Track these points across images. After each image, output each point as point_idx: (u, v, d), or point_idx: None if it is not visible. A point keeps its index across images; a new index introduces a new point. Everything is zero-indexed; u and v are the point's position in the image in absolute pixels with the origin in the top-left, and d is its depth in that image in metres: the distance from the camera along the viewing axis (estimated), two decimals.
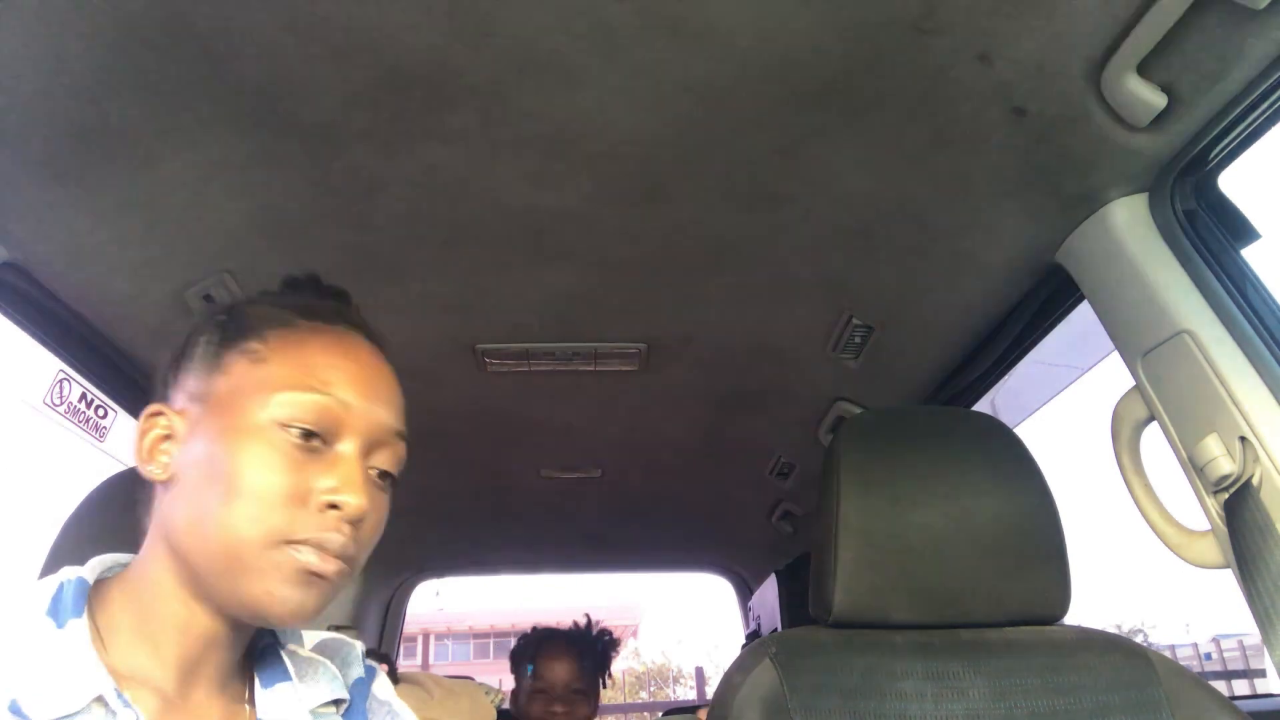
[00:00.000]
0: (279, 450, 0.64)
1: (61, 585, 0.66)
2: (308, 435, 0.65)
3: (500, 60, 1.02)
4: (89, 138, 1.11)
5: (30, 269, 1.33)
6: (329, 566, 0.64)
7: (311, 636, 0.82)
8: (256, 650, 0.75)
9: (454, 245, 1.43)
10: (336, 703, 0.76)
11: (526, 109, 1.11)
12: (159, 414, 0.70)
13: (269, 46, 0.99)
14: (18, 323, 1.37)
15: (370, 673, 0.83)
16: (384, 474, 0.71)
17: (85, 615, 0.64)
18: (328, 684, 0.76)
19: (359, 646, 0.84)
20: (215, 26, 0.96)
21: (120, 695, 0.61)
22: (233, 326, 0.72)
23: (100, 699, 0.60)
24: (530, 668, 2.13)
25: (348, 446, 0.67)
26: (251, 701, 0.72)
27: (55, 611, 0.64)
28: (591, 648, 2.21)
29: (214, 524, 0.63)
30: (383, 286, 1.53)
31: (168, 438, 0.69)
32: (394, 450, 0.73)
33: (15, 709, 0.58)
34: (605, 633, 2.29)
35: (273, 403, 0.66)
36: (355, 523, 0.65)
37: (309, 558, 0.63)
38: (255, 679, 0.73)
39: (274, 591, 0.63)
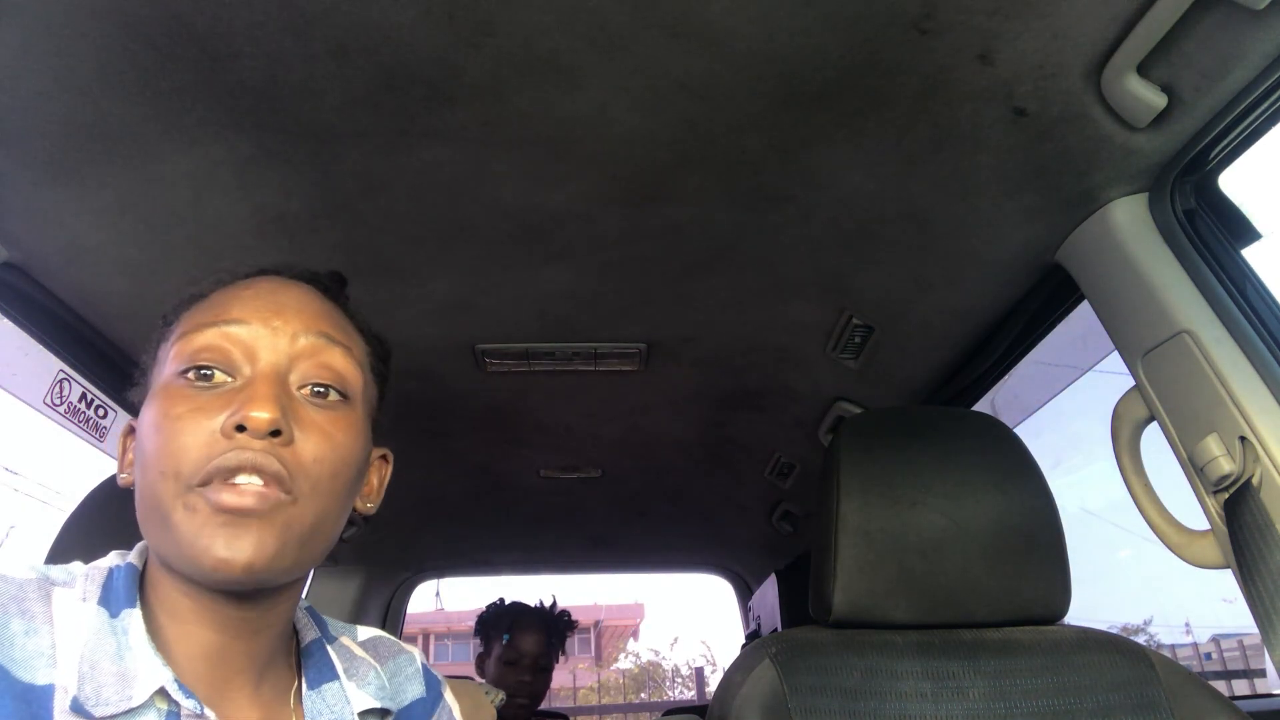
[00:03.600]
0: (180, 397, 0.61)
1: (111, 572, 0.63)
2: (204, 374, 0.61)
3: (500, 60, 1.02)
4: (89, 138, 1.11)
5: (30, 269, 1.33)
6: (246, 497, 0.58)
7: (365, 632, 0.79)
8: (302, 647, 0.72)
9: (454, 245, 1.43)
10: (381, 712, 0.72)
11: (526, 109, 1.11)
12: (133, 429, 0.69)
13: (269, 46, 0.99)
14: (18, 323, 1.37)
15: (434, 687, 0.78)
16: (321, 388, 0.64)
17: (138, 605, 0.61)
18: (375, 690, 0.72)
19: (418, 657, 0.80)
20: (215, 27, 0.96)
21: (181, 686, 0.59)
22: (165, 322, 0.70)
23: (161, 691, 0.58)
24: (506, 637, 2.34)
25: (255, 366, 0.62)
26: (298, 700, 0.68)
27: (108, 600, 0.61)
28: (557, 626, 2.45)
29: (142, 494, 0.61)
30: (383, 286, 1.53)
31: None
32: (324, 357, 0.65)
33: (77, 707, 0.55)
34: (565, 613, 2.53)
35: (172, 357, 0.63)
36: (274, 437, 0.59)
37: (220, 495, 0.57)
38: (302, 679, 0.70)
39: (196, 541, 0.57)
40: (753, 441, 2.30)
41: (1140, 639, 1.26)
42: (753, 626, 3.37)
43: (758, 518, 2.76)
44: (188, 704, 0.58)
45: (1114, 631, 1.14)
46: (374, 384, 0.73)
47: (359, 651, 0.75)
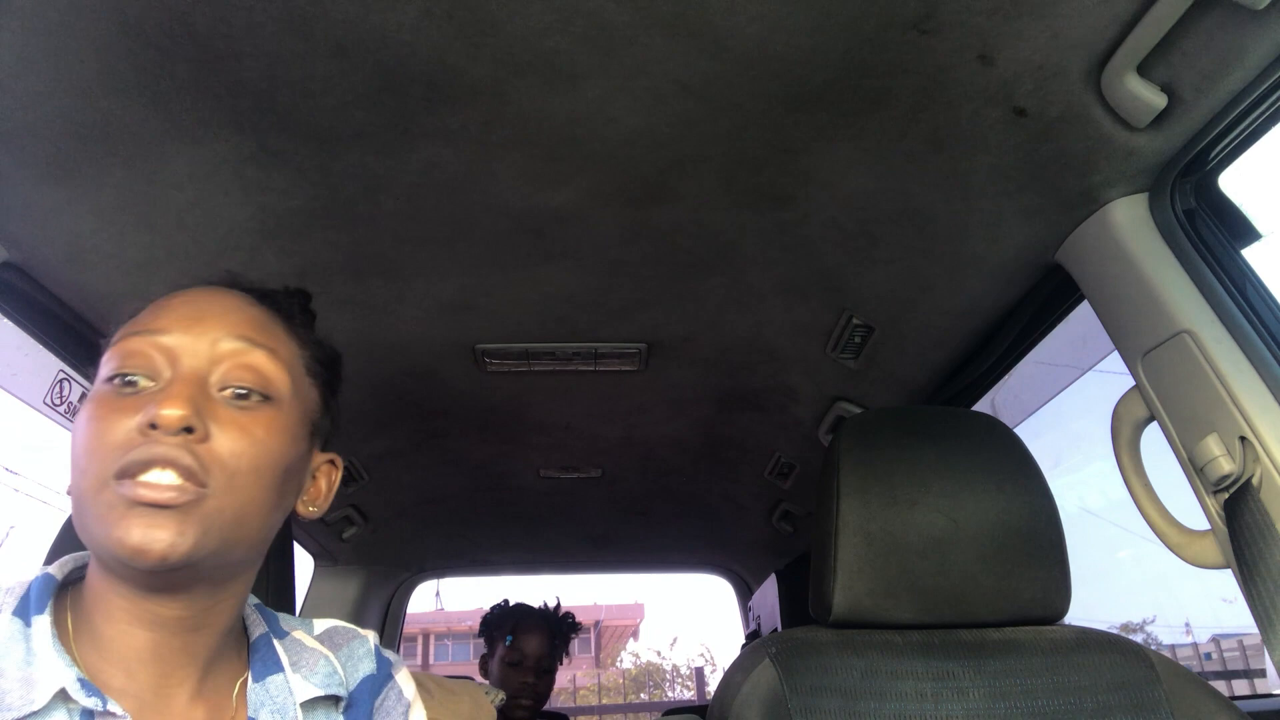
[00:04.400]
0: (105, 402, 0.64)
1: (31, 584, 0.65)
2: (129, 380, 0.64)
3: (500, 60, 1.02)
4: (89, 138, 1.11)
5: (30, 269, 1.33)
6: (161, 491, 0.59)
7: (321, 624, 0.80)
8: (252, 640, 0.74)
9: (454, 245, 1.43)
10: (336, 699, 0.74)
11: (526, 109, 1.11)
12: None
13: (269, 46, 0.99)
14: (18, 323, 1.37)
15: (384, 667, 0.80)
16: (242, 390, 0.67)
17: (48, 611, 0.63)
18: (324, 678, 0.73)
19: (371, 639, 0.82)
20: (215, 27, 0.96)
21: (85, 684, 0.60)
22: (108, 335, 0.72)
23: (63, 692, 0.59)
24: (510, 639, 2.33)
25: (176, 370, 0.65)
26: (243, 695, 0.70)
27: (24, 611, 0.63)
28: (560, 627, 2.45)
29: (72, 493, 0.63)
30: (383, 286, 1.53)
31: None
32: (245, 359, 0.68)
33: None
34: (569, 615, 2.52)
35: (103, 365, 0.67)
36: (189, 434, 0.61)
37: (130, 490, 0.59)
38: (250, 672, 0.71)
39: (112, 533, 0.59)
40: (753, 441, 2.30)
41: (1138, 638, 1.25)
42: (753, 626, 3.37)
43: (758, 518, 2.76)
44: (88, 703, 0.59)
45: (1114, 631, 1.14)
46: (314, 386, 0.75)
47: (311, 643, 0.77)
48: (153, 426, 0.61)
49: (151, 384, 0.65)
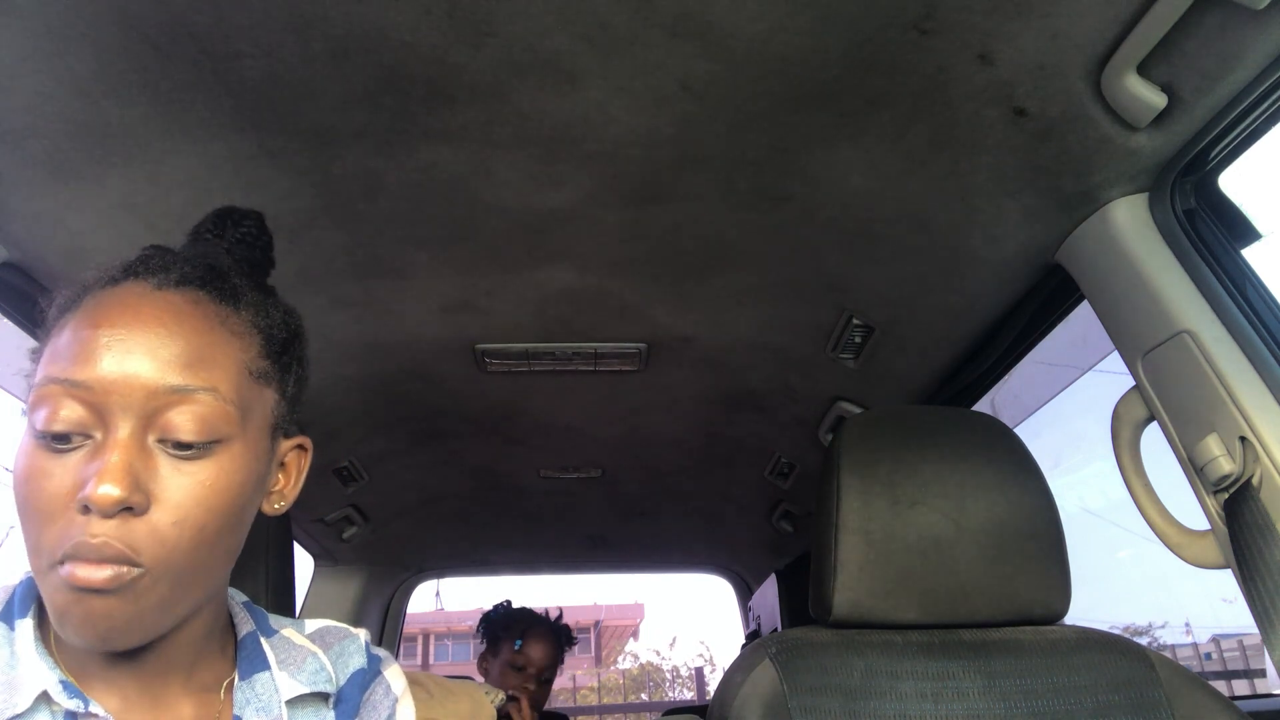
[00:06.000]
0: (39, 463, 0.59)
1: (15, 587, 0.66)
2: (60, 438, 0.58)
3: (500, 60, 1.02)
4: (89, 138, 1.11)
5: (30, 269, 1.33)
6: (97, 575, 0.56)
7: (313, 624, 0.80)
8: (239, 638, 0.74)
9: (454, 245, 1.43)
10: (326, 696, 0.74)
11: (526, 109, 1.11)
12: None
13: (269, 46, 0.99)
14: (18, 323, 1.37)
15: (374, 663, 0.80)
16: (182, 445, 0.60)
17: (31, 614, 0.64)
18: (310, 675, 0.73)
19: (362, 636, 0.82)
20: (215, 27, 0.96)
21: (67, 686, 0.60)
22: (51, 317, 0.66)
23: (46, 695, 0.60)
24: (519, 643, 2.34)
25: (106, 433, 0.59)
26: (230, 691, 0.70)
27: (8, 614, 0.64)
28: (563, 635, 2.47)
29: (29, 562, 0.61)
30: (383, 286, 1.53)
31: None
32: (182, 411, 0.60)
33: None
34: (568, 627, 2.55)
35: (31, 407, 0.60)
36: (122, 514, 0.57)
37: (70, 571, 0.56)
38: (236, 670, 0.72)
39: (59, 617, 0.58)
40: (753, 441, 2.30)
41: (1143, 640, 1.26)
42: (753, 626, 3.37)
43: (758, 518, 2.77)
44: (70, 704, 0.60)
45: (1115, 632, 1.14)
46: (268, 385, 0.68)
47: (300, 640, 0.76)
48: (87, 509, 0.57)
49: (84, 439, 0.59)
